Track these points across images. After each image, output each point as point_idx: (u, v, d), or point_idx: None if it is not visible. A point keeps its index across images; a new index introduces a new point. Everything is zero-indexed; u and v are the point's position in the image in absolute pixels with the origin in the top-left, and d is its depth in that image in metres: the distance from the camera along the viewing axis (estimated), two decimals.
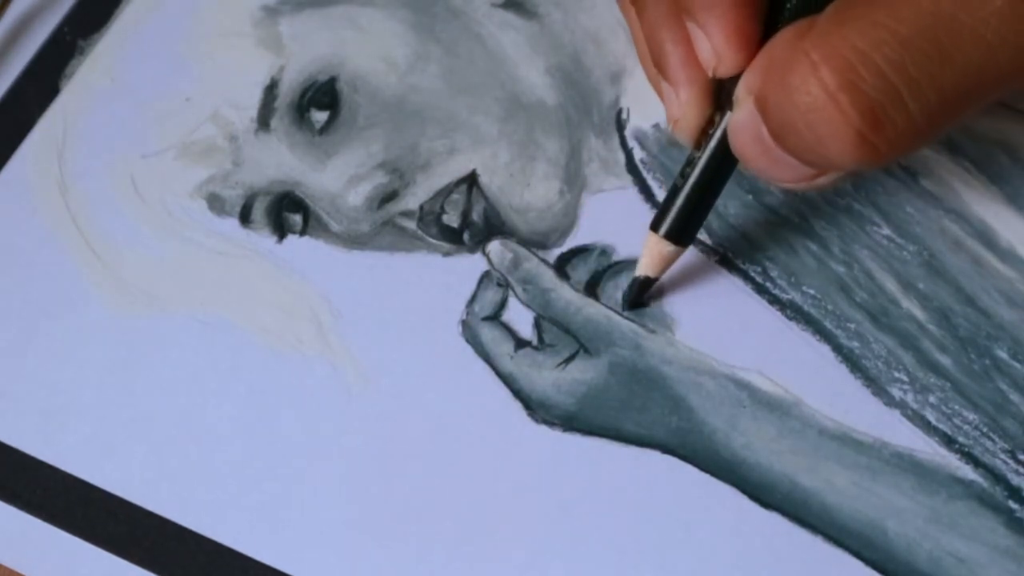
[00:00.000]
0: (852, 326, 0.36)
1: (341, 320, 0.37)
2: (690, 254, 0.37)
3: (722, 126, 0.32)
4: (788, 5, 0.31)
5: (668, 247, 0.34)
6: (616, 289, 0.37)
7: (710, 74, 0.31)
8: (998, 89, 0.28)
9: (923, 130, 0.28)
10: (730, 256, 0.37)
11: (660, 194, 0.38)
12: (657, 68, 0.33)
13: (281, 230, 0.39)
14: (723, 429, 0.35)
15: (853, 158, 0.28)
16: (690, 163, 0.33)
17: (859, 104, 0.27)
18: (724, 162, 0.33)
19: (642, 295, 0.36)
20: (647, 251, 0.35)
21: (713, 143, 0.33)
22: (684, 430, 0.35)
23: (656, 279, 0.35)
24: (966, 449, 0.34)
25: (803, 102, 0.28)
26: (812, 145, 0.28)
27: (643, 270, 0.35)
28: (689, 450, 0.34)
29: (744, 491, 0.34)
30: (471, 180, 0.39)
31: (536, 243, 0.38)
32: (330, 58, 0.41)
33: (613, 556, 0.33)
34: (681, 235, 0.34)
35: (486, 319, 0.37)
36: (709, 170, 0.33)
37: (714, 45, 0.31)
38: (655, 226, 0.34)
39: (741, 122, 0.31)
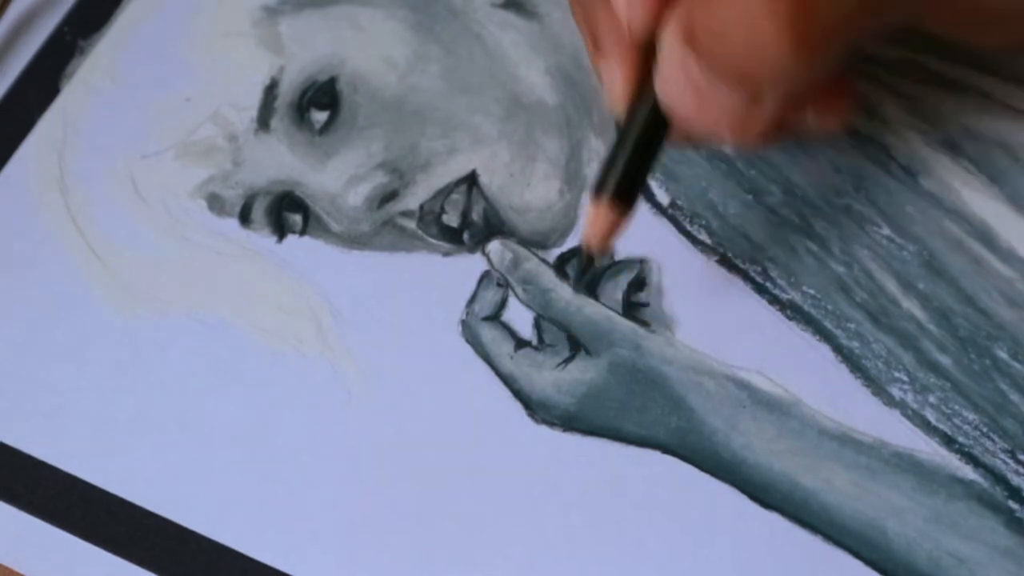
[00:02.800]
0: (852, 326, 0.36)
1: (341, 320, 0.37)
2: (690, 254, 0.37)
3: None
4: None
5: (610, 213, 0.33)
6: (616, 289, 0.37)
7: (625, 28, 0.32)
8: None
9: (852, 16, 0.29)
10: (730, 256, 0.37)
11: (660, 194, 0.38)
12: (590, 44, 0.34)
13: (281, 230, 0.39)
14: (723, 429, 0.35)
15: (793, 53, 0.29)
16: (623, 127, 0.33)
17: None
18: (656, 121, 0.32)
19: (589, 268, 0.36)
20: (588, 219, 0.34)
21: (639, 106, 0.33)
22: (684, 430, 0.35)
23: (603, 251, 0.35)
24: (966, 449, 0.34)
25: (738, 10, 0.28)
26: (747, 55, 0.29)
27: (585, 239, 0.34)
28: (689, 450, 0.34)
29: (744, 491, 0.34)
30: (471, 180, 0.39)
31: (536, 243, 0.38)
32: (330, 58, 0.41)
33: (613, 556, 0.33)
34: (623, 198, 0.33)
35: (486, 319, 0.37)
36: (641, 128, 0.33)
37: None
38: (597, 191, 0.33)
39: (668, 61, 0.31)
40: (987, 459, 0.34)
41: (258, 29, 0.42)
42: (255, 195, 0.39)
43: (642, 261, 0.37)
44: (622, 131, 0.33)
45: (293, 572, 0.34)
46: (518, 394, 0.36)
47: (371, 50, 0.41)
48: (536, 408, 0.35)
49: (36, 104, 0.41)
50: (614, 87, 0.33)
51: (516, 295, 0.37)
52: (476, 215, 0.38)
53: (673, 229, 0.37)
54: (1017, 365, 0.35)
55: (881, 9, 0.30)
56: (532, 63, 0.40)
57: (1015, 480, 0.33)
